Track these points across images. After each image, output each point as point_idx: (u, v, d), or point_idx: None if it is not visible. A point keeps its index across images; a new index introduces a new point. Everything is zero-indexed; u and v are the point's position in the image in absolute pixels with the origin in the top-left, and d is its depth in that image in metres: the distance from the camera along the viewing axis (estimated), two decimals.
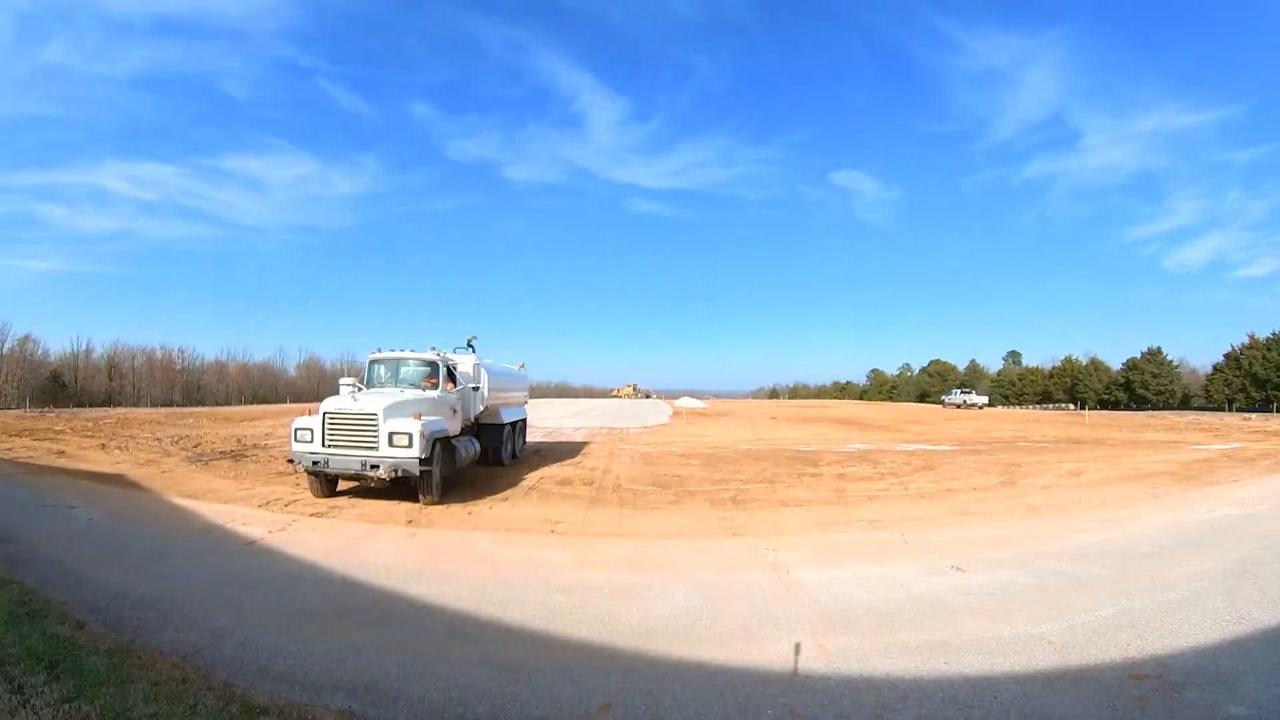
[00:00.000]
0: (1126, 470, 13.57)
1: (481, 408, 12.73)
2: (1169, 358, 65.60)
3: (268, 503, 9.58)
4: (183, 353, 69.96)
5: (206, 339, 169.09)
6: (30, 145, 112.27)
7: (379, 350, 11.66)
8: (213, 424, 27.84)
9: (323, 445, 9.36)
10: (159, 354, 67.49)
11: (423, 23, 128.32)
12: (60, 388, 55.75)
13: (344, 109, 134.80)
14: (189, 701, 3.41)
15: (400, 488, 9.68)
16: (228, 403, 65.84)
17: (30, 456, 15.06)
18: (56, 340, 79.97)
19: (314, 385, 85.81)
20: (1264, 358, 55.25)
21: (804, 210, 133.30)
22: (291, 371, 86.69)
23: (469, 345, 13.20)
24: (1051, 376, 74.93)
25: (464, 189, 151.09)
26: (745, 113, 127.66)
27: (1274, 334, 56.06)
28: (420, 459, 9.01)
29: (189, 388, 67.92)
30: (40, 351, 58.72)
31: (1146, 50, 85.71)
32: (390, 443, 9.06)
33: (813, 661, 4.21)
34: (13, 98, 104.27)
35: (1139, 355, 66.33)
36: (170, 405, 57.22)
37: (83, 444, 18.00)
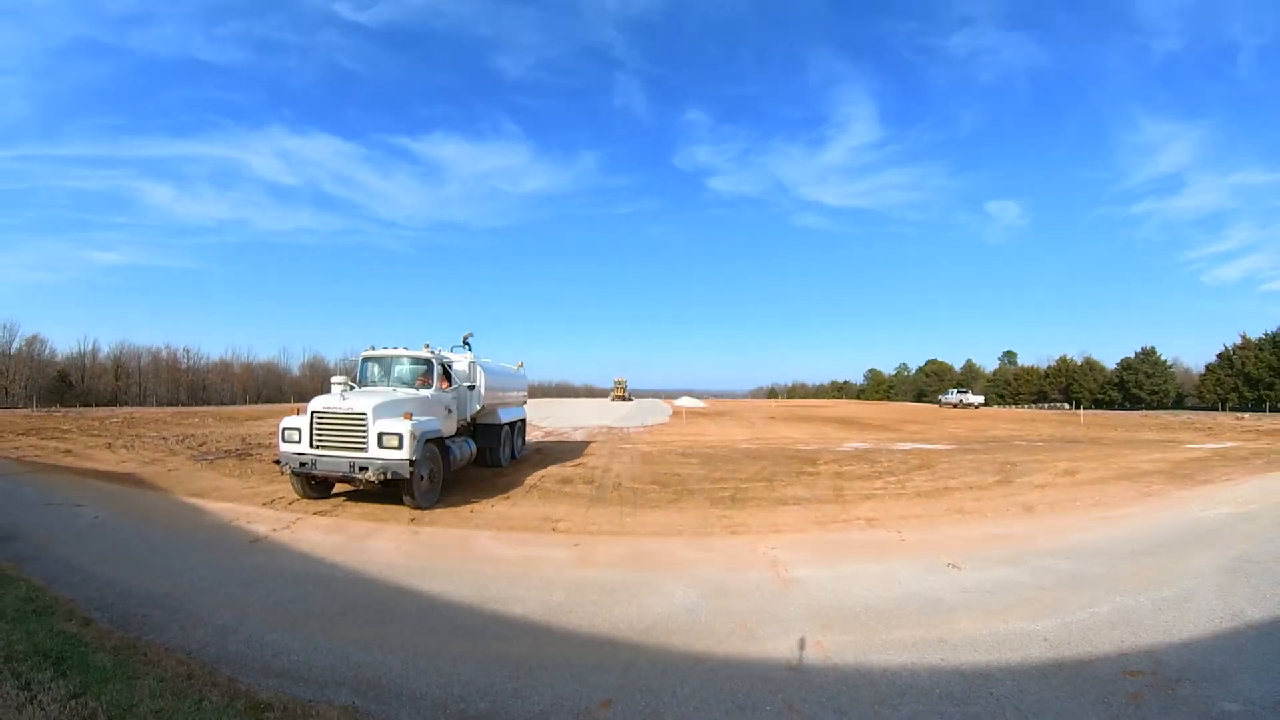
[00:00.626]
0: (1121, 469, 13.57)
1: (478, 407, 12.41)
2: (1163, 358, 65.68)
3: (272, 501, 9.58)
4: (188, 352, 70.04)
5: (211, 338, 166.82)
6: (173, 102, 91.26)
7: (371, 347, 11.27)
8: (217, 423, 27.83)
9: (310, 446, 8.95)
10: (164, 354, 67.56)
11: (771, 39, 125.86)
12: (67, 387, 55.79)
13: (614, 105, 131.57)
14: (194, 697, 3.42)
15: (393, 491, 9.25)
16: (232, 402, 65.85)
17: (37, 455, 15.06)
18: (63, 340, 79.52)
19: (318, 384, 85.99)
20: (1256, 358, 55.29)
21: (938, 230, 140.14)
22: (295, 371, 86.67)
23: (465, 343, 12.78)
24: (1047, 376, 74.90)
25: (658, 195, 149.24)
26: (964, 152, 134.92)
27: (1266, 335, 56.16)
28: (410, 460, 8.62)
29: (194, 387, 67.98)
30: (47, 351, 58.83)
31: (1253, 128, 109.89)
32: (379, 443, 8.67)
33: (811, 658, 4.22)
34: (182, 33, 79.86)
35: (1133, 355, 66.40)
36: (176, 405, 57.25)
37: (89, 443, 18.00)
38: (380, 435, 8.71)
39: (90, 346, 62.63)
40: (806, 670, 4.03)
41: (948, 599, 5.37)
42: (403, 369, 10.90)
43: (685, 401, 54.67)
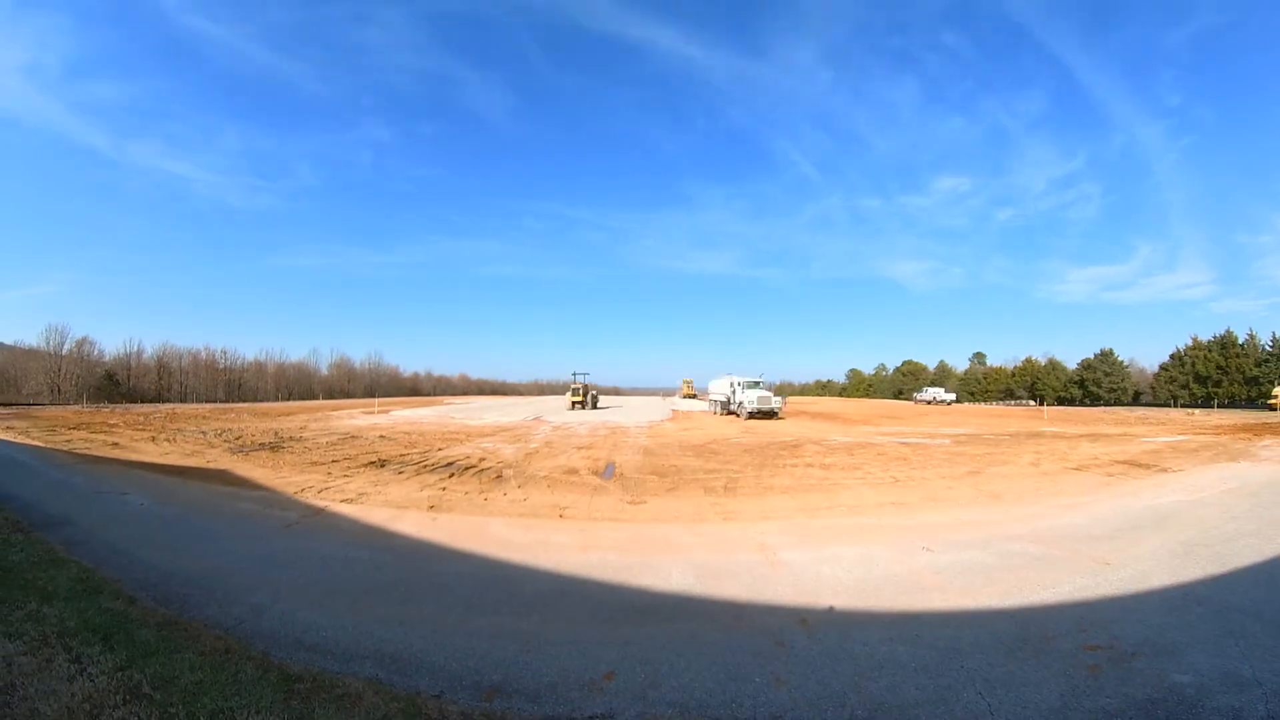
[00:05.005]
0: (1081, 460, 13.56)
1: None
2: (1120, 358, 65.70)
3: (302, 490, 9.58)
4: (225, 353, 70.06)
5: (246, 339, 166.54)
6: None
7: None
8: (252, 419, 27.81)
9: None
10: (204, 354, 67.59)
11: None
12: (114, 385, 55.82)
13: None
14: (231, 670, 3.42)
15: None
16: (266, 399, 65.85)
17: (87, 448, 15.07)
18: (111, 341, 79.64)
19: (344, 383, 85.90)
20: (1205, 358, 55.33)
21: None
22: (324, 370, 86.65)
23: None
24: (1014, 375, 74.86)
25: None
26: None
27: (1214, 337, 56.20)
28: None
29: (231, 385, 67.96)
30: (96, 352, 58.94)
31: None
32: None
33: (796, 634, 4.21)
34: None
35: (1093, 356, 66.43)
36: (214, 401, 57.24)
37: (135, 436, 18.01)
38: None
39: (136, 348, 62.70)
40: (792, 645, 4.03)
41: (922, 580, 5.37)
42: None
43: (680, 400, 54.61)
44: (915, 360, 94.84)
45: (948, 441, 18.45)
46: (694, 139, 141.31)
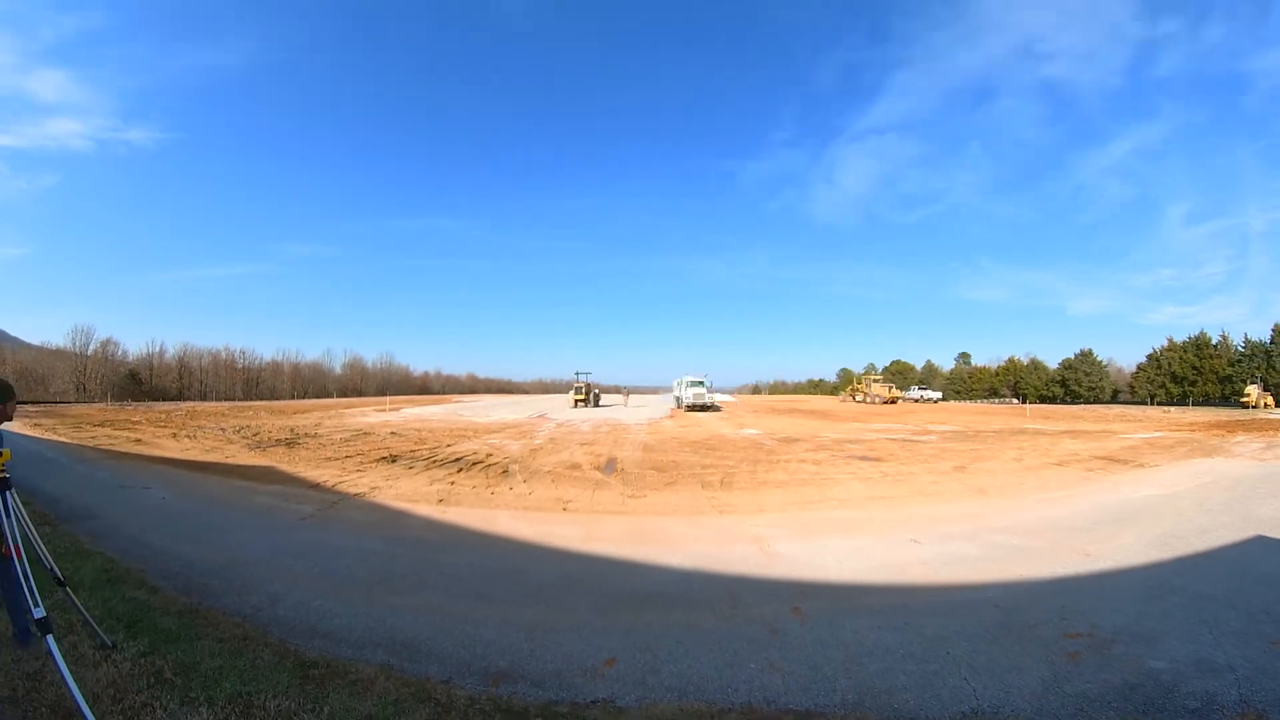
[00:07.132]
0: (1062, 456, 13.55)
1: None
2: (1099, 358, 65.72)
3: (318, 484, 9.58)
4: (244, 353, 70.16)
5: (264, 339, 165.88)
6: None
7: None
8: (269, 416, 27.80)
9: None
10: (223, 354, 67.67)
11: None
12: (137, 384, 55.88)
13: None
14: (249, 657, 3.42)
15: None
16: (283, 397, 65.83)
17: (111, 444, 15.07)
18: (134, 342, 79.54)
19: (357, 382, 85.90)
20: (1180, 358, 55.44)
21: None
22: (338, 370, 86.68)
23: None
24: (997, 374, 74.89)
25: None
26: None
27: (1189, 338, 56.26)
28: None
29: (249, 384, 68.03)
30: (120, 352, 59.03)
31: None
32: None
33: (790, 622, 4.21)
34: None
35: (1073, 356, 66.46)
36: (233, 399, 57.25)
37: (157, 433, 18.01)
38: None
39: (158, 348, 62.77)
40: (786, 633, 4.03)
41: (910, 570, 5.37)
42: None
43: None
44: (903, 360, 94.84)
45: (934, 438, 18.43)
46: None
